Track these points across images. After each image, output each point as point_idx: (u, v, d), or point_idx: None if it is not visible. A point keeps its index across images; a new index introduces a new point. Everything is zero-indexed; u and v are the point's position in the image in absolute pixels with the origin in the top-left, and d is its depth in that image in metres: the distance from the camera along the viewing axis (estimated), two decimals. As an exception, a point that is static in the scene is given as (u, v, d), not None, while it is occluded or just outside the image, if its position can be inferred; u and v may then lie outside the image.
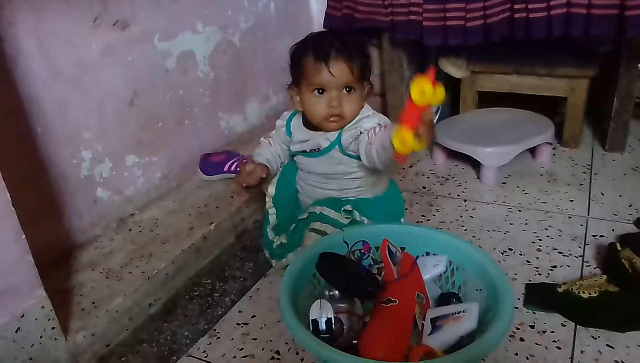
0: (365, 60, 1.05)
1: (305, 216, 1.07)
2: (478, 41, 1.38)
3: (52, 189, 1.09)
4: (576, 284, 0.97)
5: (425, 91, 0.78)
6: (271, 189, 1.17)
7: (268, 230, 1.16)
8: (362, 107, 1.07)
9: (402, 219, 1.16)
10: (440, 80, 0.97)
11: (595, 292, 0.94)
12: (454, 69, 1.64)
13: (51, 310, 0.86)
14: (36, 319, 0.84)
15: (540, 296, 1.00)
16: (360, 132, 1.02)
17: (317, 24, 1.74)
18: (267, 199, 1.17)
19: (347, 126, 1.05)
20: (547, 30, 1.30)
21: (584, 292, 0.95)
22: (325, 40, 1.02)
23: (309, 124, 1.09)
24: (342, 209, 1.05)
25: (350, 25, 1.52)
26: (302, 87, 1.05)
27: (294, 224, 1.11)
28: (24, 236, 0.80)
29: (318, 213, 1.05)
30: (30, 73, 1.00)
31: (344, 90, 1.02)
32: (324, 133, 1.07)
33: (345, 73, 1.00)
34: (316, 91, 1.02)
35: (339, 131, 1.06)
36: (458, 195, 1.42)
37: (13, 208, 0.78)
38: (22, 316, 0.82)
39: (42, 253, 0.97)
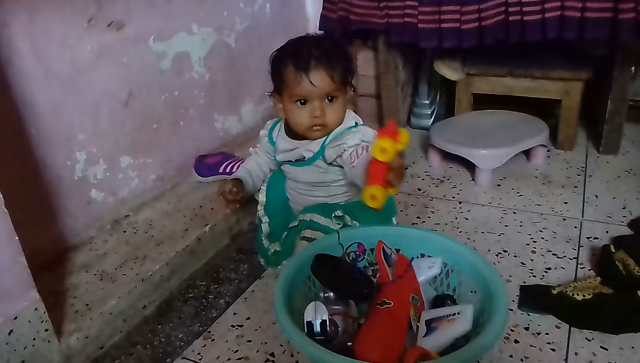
0: (346, 64, 1.03)
1: (296, 224, 1.06)
2: (473, 44, 1.38)
3: (46, 190, 1.08)
4: (570, 286, 0.98)
5: (386, 148, 0.79)
6: (262, 198, 1.17)
7: (262, 239, 1.16)
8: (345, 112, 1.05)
9: (393, 219, 1.16)
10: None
11: (589, 294, 0.95)
12: (449, 71, 1.65)
13: (44, 312, 0.86)
14: (29, 321, 0.83)
15: (535, 298, 1.00)
16: (344, 150, 0.99)
17: (313, 26, 1.74)
18: (258, 208, 1.17)
19: (330, 138, 1.04)
20: (542, 33, 1.31)
21: (578, 294, 0.95)
22: (304, 49, 0.99)
23: (292, 133, 1.09)
24: (333, 215, 1.04)
25: (346, 28, 1.52)
26: (284, 97, 1.04)
27: (286, 232, 1.10)
28: (17, 237, 0.80)
29: (308, 220, 1.03)
30: (24, 74, 1.00)
31: (326, 99, 1.01)
32: (307, 143, 1.06)
33: (327, 82, 0.99)
34: (298, 101, 1.01)
35: (321, 143, 1.04)
36: (453, 197, 1.42)
37: (6, 210, 0.78)
38: (15, 318, 0.82)
39: (36, 254, 0.96)
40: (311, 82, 0.98)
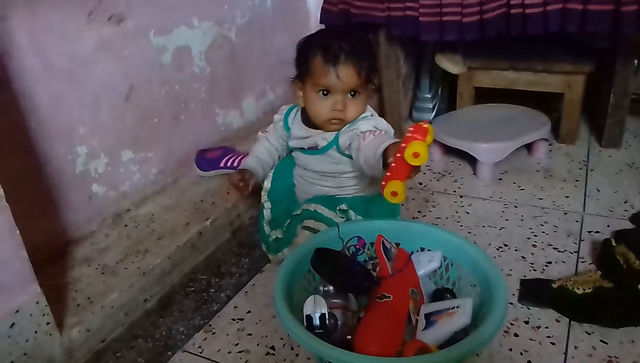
0: (373, 62, 1.03)
1: (299, 212, 1.06)
2: (474, 37, 1.37)
3: (47, 184, 1.08)
4: (571, 280, 0.98)
5: (420, 153, 0.76)
6: (267, 184, 1.16)
7: (264, 225, 1.16)
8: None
9: (398, 218, 1.15)
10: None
11: (589, 288, 0.94)
12: (451, 64, 1.64)
13: (46, 306, 0.86)
14: (31, 315, 0.84)
15: (535, 292, 1.00)
16: (357, 135, 1.00)
17: (314, 19, 1.73)
18: (262, 194, 1.17)
19: (345, 127, 1.04)
20: (544, 26, 1.30)
21: (578, 288, 0.95)
22: (335, 41, 0.99)
23: (308, 121, 1.08)
24: (337, 208, 1.04)
25: (347, 21, 1.51)
26: (306, 85, 1.03)
27: (288, 220, 1.10)
28: (18, 231, 0.80)
29: (312, 210, 1.04)
30: (24, 68, 1.00)
31: (349, 94, 1.01)
32: (322, 132, 1.06)
33: (353, 78, 0.99)
34: (321, 92, 1.01)
35: (337, 132, 1.05)
36: (454, 191, 1.42)
37: (7, 204, 0.78)
38: (17, 311, 0.82)
39: (37, 248, 0.97)
40: (338, 75, 0.98)
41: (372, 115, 1.05)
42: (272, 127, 1.18)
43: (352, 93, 1.01)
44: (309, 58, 1.01)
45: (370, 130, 0.99)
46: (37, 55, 1.02)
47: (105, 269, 1.06)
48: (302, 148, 1.10)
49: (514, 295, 1.01)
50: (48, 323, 0.87)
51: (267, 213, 1.17)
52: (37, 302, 0.85)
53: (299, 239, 1.04)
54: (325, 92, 1.01)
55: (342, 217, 1.04)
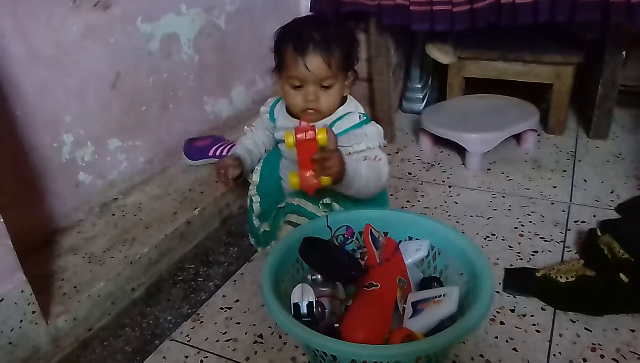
0: (348, 50, 1.01)
1: (283, 206, 1.06)
2: (464, 27, 1.37)
3: (32, 173, 1.07)
4: (554, 269, 0.99)
5: (286, 142, 0.88)
6: (255, 177, 1.16)
7: (253, 218, 1.16)
8: (345, 98, 1.05)
9: (386, 208, 1.15)
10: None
11: (572, 277, 0.96)
12: (441, 54, 1.64)
13: (31, 294, 0.86)
14: (16, 303, 0.83)
15: (519, 281, 1.01)
16: (349, 153, 0.99)
17: (304, 7, 1.72)
18: (250, 187, 1.17)
19: (334, 129, 1.01)
20: (533, 16, 1.29)
21: (561, 277, 0.96)
22: (305, 31, 0.97)
23: (292, 112, 1.08)
24: (321, 202, 1.04)
25: (337, 10, 1.50)
26: (282, 76, 1.03)
27: (274, 213, 1.10)
28: (1, 219, 0.79)
29: (295, 204, 1.03)
30: (9, 55, 0.98)
31: (322, 86, 1.00)
32: None
33: (322, 68, 0.97)
34: (294, 83, 1.00)
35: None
36: (443, 181, 1.42)
37: (-10, 192, 0.77)
38: (1, 300, 0.81)
39: (23, 237, 0.95)
40: (307, 66, 0.97)
41: (360, 119, 1.03)
42: (258, 120, 1.18)
43: (325, 85, 1.00)
44: (282, 49, 1.00)
45: (364, 151, 1.00)
46: (22, 42, 1.00)
47: (92, 258, 1.06)
48: None
49: (500, 283, 1.02)
50: (33, 312, 0.86)
51: (256, 206, 1.16)
52: (22, 291, 0.84)
53: (282, 233, 1.04)
54: (298, 83, 1.00)
55: (325, 211, 1.03)
